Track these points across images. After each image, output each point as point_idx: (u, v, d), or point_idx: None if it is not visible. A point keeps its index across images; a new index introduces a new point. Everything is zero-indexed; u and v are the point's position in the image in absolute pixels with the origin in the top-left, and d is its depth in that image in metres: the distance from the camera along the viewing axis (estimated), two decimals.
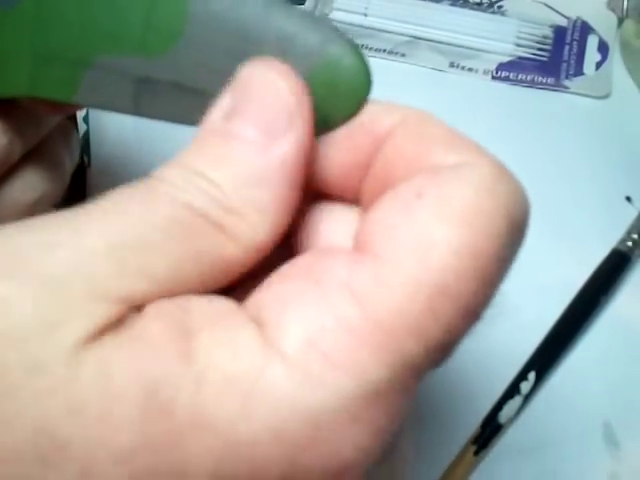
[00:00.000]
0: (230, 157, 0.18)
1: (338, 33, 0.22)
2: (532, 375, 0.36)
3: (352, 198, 0.21)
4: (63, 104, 0.25)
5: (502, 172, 0.19)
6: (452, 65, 0.49)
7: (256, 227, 0.18)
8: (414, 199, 0.17)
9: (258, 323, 0.16)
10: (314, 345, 0.16)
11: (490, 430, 0.34)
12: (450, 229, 0.17)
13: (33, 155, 0.30)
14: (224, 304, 0.17)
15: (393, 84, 0.48)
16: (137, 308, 0.17)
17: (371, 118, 0.21)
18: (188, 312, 0.17)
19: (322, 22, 0.22)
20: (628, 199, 0.43)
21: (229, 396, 0.15)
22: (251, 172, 0.18)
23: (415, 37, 0.50)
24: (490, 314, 0.40)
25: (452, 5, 0.51)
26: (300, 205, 0.20)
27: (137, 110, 0.24)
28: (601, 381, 0.37)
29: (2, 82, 0.25)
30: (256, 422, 0.15)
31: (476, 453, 0.34)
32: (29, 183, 0.30)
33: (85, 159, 0.43)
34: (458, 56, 0.49)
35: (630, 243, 0.40)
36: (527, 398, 0.35)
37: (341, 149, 0.20)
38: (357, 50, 0.22)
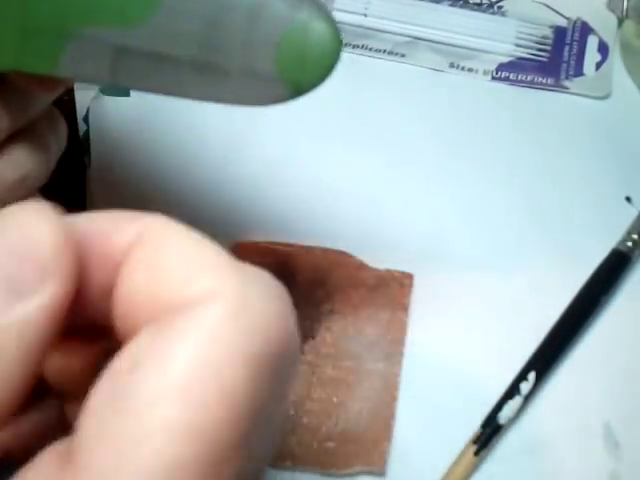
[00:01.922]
0: None
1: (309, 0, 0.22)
2: (532, 375, 0.36)
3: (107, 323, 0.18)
4: (46, 77, 0.26)
5: (244, 304, 0.16)
6: (452, 65, 0.49)
7: None
8: (128, 375, 0.15)
9: None
10: None
11: (490, 430, 0.34)
12: (169, 407, 0.14)
13: (20, 135, 0.30)
14: None
15: (393, 85, 0.48)
16: None
17: (109, 231, 0.17)
18: None
19: None
20: (628, 199, 0.43)
21: None
22: None
23: (415, 37, 0.50)
24: (490, 314, 0.40)
25: (452, 5, 0.51)
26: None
27: (114, 79, 0.25)
28: (601, 381, 0.37)
29: None
30: None
31: (476, 453, 0.34)
32: (15, 161, 0.30)
33: (85, 159, 0.43)
34: (458, 56, 0.49)
35: (630, 243, 0.40)
36: (527, 398, 0.35)
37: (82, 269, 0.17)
38: (327, 15, 0.22)
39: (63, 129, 0.34)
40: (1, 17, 0.25)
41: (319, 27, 0.22)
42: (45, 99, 0.31)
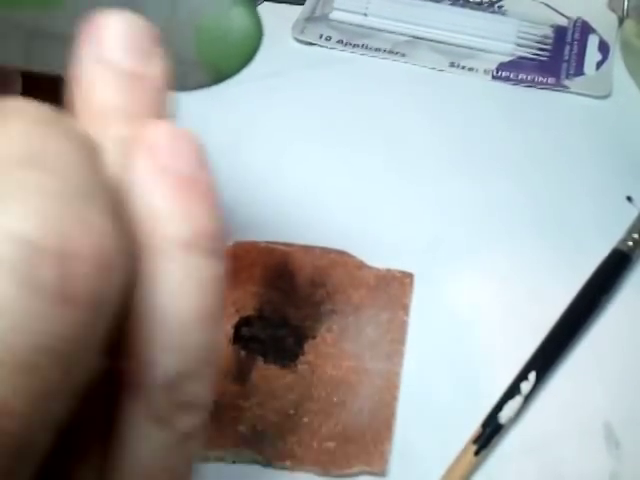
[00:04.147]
0: None
1: None
2: (532, 375, 0.36)
3: None
4: None
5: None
6: (452, 65, 0.49)
7: None
8: None
9: None
10: None
11: (491, 430, 0.34)
12: None
13: None
14: None
15: (393, 84, 0.48)
16: None
17: None
18: None
19: None
20: (629, 199, 0.43)
21: None
22: None
23: (415, 37, 0.50)
24: (491, 314, 0.40)
25: (452, 5, 0.51)
26: None
27: (28, 62, 0.25)
28: (601, 381, 0.37)
29: None
30: None
31: (477, 453, 0.34)
32: None
33: None
34: (458, 56, 0.49)
35: (631, 243, 0.40)
36: (527, 398, 0.35)
37: None
38: (248, 1, 0.23)
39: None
40: None
41: (240, 12, 0.23)
42: None
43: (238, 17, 0.23)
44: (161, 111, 0.18)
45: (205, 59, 0.23)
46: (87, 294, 0.14)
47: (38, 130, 0.15)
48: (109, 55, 0.18)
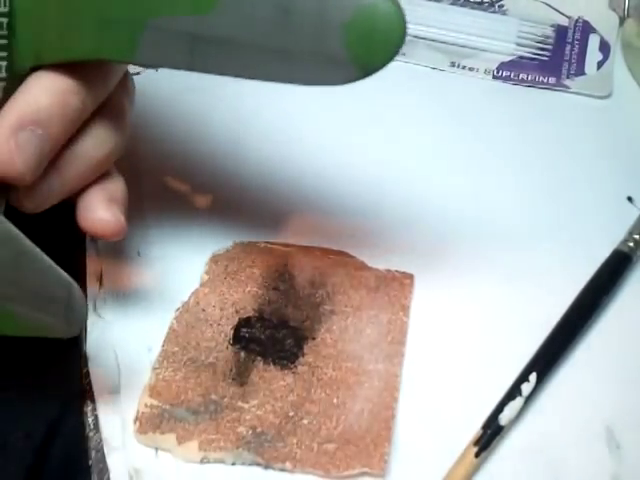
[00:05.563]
0: None
1: None
2: (533, 376, 0.35)
3: None
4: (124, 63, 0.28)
5: None
6: (453, 64, 0.49)
7: None
8: None
9: None
10: None
11: (491, 432, 0.34)
12: None
13: (101, 110, 0.31)
14: None
15: (393, 83, 0.48)
16: None
17: None
18: None
19: None
20: (630, 199, 0.42)
21: None
22: None
23: (415, 36, 0.50)
24: (491, 315, 0.40)
25: (452, 4, 0.51)
26: None
27: (191, 66, 0.27)
28: (602, 382, 0.37)
29: (71, 47, 0.27)
30: None
31: (477, 455, 0.34)
32: (100, 138, 0.31)
33: None
34: (459, 55, 0.49)
35: (632, 244, 0.40)
36: (528, 399, 0.35)
37: None
38: None
39: (133, 86, 0.34)
40: (79, 9, 0.26)
41: (386, 7, 0.23)
42: (122, 68, 0.31)
43: (384, 12, 0.24)
44: None
45: (353, 57, 0.25)
46: None
47: None
48: None
